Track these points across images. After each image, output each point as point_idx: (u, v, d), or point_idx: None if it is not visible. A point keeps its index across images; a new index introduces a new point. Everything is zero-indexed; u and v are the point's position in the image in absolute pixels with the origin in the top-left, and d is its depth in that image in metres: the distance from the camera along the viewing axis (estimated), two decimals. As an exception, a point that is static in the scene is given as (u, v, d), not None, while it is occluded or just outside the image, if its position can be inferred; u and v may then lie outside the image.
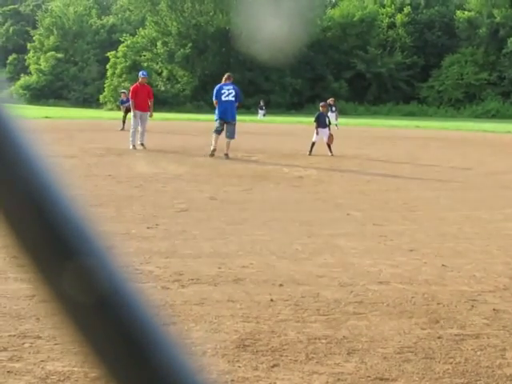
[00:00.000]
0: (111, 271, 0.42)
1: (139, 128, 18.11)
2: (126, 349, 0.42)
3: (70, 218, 0.41)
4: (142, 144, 18.04)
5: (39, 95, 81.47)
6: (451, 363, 3.70)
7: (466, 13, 74.63)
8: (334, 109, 30.50)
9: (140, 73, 19.10)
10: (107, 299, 0.41)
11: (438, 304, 4.75)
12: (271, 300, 4.72)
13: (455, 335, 4.14)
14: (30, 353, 3.69)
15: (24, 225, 0.40)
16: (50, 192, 0.41)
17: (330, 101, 24.57)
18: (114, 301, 0.41)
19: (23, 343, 3.82)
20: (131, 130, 18.34)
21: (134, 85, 19.12)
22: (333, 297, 4.83)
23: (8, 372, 3.44)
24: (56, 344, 3.79)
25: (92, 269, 0.41)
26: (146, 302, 0.43)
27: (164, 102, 65.47)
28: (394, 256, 6.19)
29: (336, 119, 30.29)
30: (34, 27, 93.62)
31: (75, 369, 3.50)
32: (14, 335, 3.94)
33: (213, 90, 17.05)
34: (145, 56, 71.96)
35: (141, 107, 18.37)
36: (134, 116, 18.43)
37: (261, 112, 46.72)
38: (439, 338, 4.07)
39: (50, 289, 0.41)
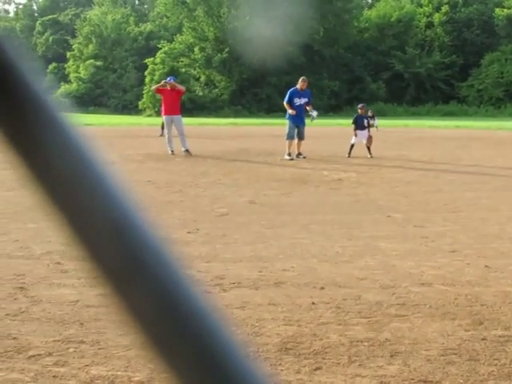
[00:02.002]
0: (181, 288, 0.43)
1: (176, 133, 18.00)
2: (196, 355, 0.43)
3: (147, 240, 0.43)
4: (187, 150, 17.74)
5: (79, 103, 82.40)
6: (496, 365, 3.66)
7: (505, 10, 73.66)
8: (375, 118, 30.43)
9: (168, 78, 18.91)
10: (174, 312, 0.42)
11: (482, 305, 4.70)
12: (312, 303, 4.72)
13: (499, 336, 4.09)
14: (74, 357, 3.74)
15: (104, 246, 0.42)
16: (131, 214, 0.43)
17: (370, 113, 24.44)
18: (180, 311, 0.43)
19: (68, 348, 3.88)
20: (166, 137, 18.32)
21: (163, 88, 18.66)
22: (374, 299, 4.81)
23: (53, 377, 3.49)
24: (100, 349, 3.84)
25: (162, 285, 0.42)
26: (215, 312, 0.44)
27: (202, 107, 65.85)
28: (435, 257, 6.14)
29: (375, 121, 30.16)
30: (73, 36, 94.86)
31: (119, 373, 3.54)
32: (59, 340, 3.99)
33: (285, 94, 17.50)
34: (182, 62, 72.39)
35: (170, 111, 18.08)
36: (166, 123, 18.44)
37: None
38: (483, 339, 4.03)
39: (121, 303, 0.42)
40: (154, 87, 19.60)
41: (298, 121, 16.74)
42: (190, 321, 0.43)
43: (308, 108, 16.91)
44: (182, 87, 18.98)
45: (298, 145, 16.86)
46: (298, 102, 16.65)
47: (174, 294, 0.43)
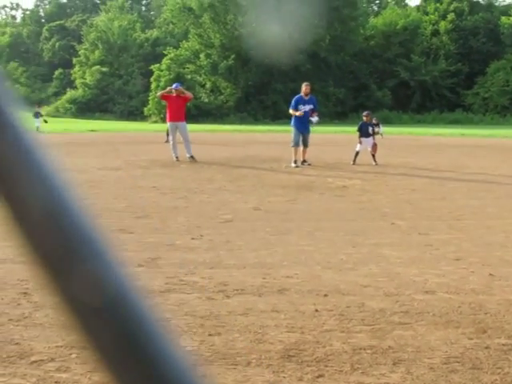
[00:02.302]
0: (117, 278, 0.44)
1: (181, 140, 18.02)
2: (129, 352, 0.44)
3: (80, 227, 0.43)
4: (192, 157, 17.77)
5: (85, 109, 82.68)
6: (499, 374, 3.64)
7: (511, 18, 73.72)
8: (380, 125, 30.44)
9: (173, 85, 18.84)
10: (112, 303, 0.43)
11: (486, 313, 4.68)
12: (316, 310, 4.71)
13: (503, 345, 4.08)
14: (76, 363, 3.74)
15: (36, 232, 0.43)
16: (63, 202, 0.44)
17: (374, 120, 24.47)
18: (118, 305, 0.44)
19: (70, 354, 3.88)
20: (170, 143, 18.31)
21: (169, 95, 18.64)
22: (378, 307, 4.80)
23: (56, 382, 3.50)
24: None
25: (98, 274, 0.43)
26: (149, 308, 0.45)
27: (208, 114, 65.93)
28: (440, 265, 6.12)
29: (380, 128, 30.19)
30: (80, 42, 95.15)
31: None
32: (62, 346, 3.99)
33: (291, 102, 17.43)
34: (188, 68, 72.51)
35: (175, 117, 18.05)
36: (171, 129, 18.44)
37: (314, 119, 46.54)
38: (487, 348, 4.02)
39: (59, 292, 0.43)
40: (159, 93, 19.61)
41: (302, 128, 16.71)
42: (126, 323, 0.44)
43: (314, 114, 16.86)
44: (189, 94, 18.98)
45: (303, 152, 16.84)
46: (303, 108, 16.61)
47: (112, 292, 0.44)
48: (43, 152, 0.45)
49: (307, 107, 16.65)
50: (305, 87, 16.95)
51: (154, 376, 0.45)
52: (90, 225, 0.45)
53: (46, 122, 38.97)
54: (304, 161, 16.84)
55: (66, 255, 0.43)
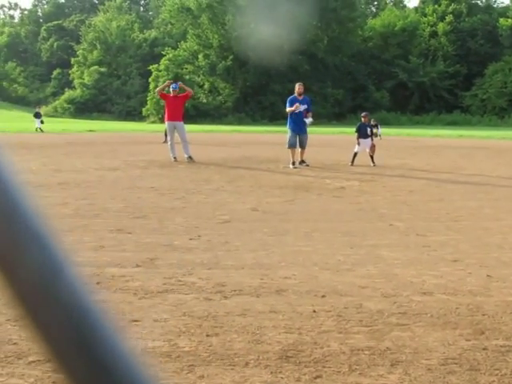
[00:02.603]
0: (69, 277, 0.45)
1: (179, 140, 18.02)
2: (80, 353, 0.45)
3: (29, 225, 0.44)
4: (190, 157, 17.78)
5: (83, 109, 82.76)
6: (497, 375, 3.65)
7: (509, 20, 73.87)
8: (378, 126, 30.50)
9: (171, 85, 18.78)
10: (63, 302, 0.44)
11: (483, 315, 4.69)
12: (314, 311, 4.71)
13: (501, 346, 4.08)
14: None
15: None
16: (15, 202, 0.44)
17: (373, 121, 24.54)
18: (68, 304, 0.45)
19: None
20: (168, 143, 18.29)
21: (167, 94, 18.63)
22: (376, 308, 4.81)
23: (53, 383, 3.49)
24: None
25: (50, 274, 0.44)
26: (100, 307, 0.46)
27: (206, 114, 66.01)
28: (437, 266, 6.13)
29: (379, 130, 30.28)
30: (78, 42, 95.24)
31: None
32: (60, 346, 3.99)
33: (286, 102, 17.39)
34: (186, 69, 72.59)
35: (173, 117, 18.03)
36: (169, 129, 18.42)
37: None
38: (484, 349, 4.02)
39: (10, 287, 0.44)
40: (158, 89, 19.51)
41: (298, 129, 16.67)
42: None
43: (308, 115, 16.81)
44: (189, 89, 18.97)
45: (301, 153, 16.80)
46: (298, 109, 16.59)
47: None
48: None
49: (302, 107, 16.61)
50: (298, 87, 16.90)
51: (104, 374, 0.45)
52: (39, 223, 0.45)
53: (42, 122, 39.09)
54: (302, 161, 16.81)
55: (17, 255, 0.44)
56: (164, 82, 63.80)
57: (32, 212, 0.46)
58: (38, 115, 39.65)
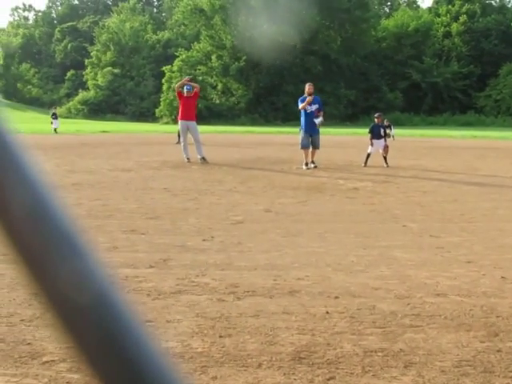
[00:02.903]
0: (99, 277, 0.45)
1: (192, 141, 18.07)
2: (110, 351, 0.45)
3: (61, 228, 0.45)
4: (203, 158, 17.81)
5: (97, 110, 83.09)
6: (511, 377, 3.63)
7: (523, 20, 73.46)
8: (391, 127, 30.45)
9: (185, 87, 18.85)
10: (95, 302, 0.44)
11: (498, 317, 4.66)
12: (327, 312, 4.70)
13: (515, 349, 4.06)
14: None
15: (19, 233, 0.44)
16: (44, 203, 0.45)
17: (386, 122, 24.49)
18: (100, 304, 0.45)
19: (82, 354, 3.88)
20: (182, 145, 18.32)
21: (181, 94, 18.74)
22: (389, 309, 4.79)
23: (67, 383, 3.50)
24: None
25: (81, 273, 0.44)
26: (130, 307, 0.46)
27: (219, 115, 66.08)
28: (451, 268, 6.10)
29: (392, 130, 30.23)
30: (92, 43, 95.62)
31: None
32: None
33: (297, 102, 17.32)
34: (200, 70, 72.71)
35: (186, 116, 18.12)
36: (182, 129, 18.45)
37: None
38: (498, 351, 4.00)
39: (43, 292, 0.44)
40: (177, 85, 19.48)
41: (309, 129, 16.58)
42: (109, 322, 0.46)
43: (319, 114, 16.73)
44: (196, 85, 19.13)
45: (312, 153, 16.71)
46: (309, 109, 16.49)
47: (95, 291, 0.45)
48: (25, 154, 0.46)
49: (313, 107, 16.55)
50: (308, 87, 16.76)
51: (135, 374, 0.45)
52: (71, 226, 0.46)
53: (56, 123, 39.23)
54: (312, 162, 16.72)
55: (48, 255, 0.44)
56: (177, 82, 63.90)
57: (64, 215, 0.46)
58: (55, 116, 39.81)
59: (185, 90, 18.37)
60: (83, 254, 0.46)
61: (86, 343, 0.45)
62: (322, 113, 16.87)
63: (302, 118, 16.73)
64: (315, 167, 16.50)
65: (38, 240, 0.44)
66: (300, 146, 16.80)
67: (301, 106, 16.66)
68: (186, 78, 20.20)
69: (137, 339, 0.46)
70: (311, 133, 16.67)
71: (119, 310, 0.46)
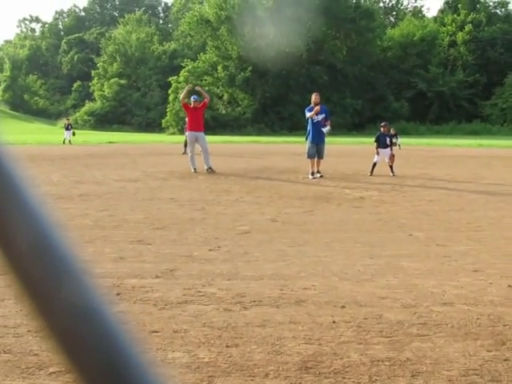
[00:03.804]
0: (97, 304, 0.47)
1: (199, 151, 18.14)
2: (111, 376, 0.47)
3: (63, 256, 0.46)
4: (210, 168, 17.86)
5: (103, 121, 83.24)
6: (519, 386, 3.62)
7: (529, 29, 73.47)
8: (397, 136, 30.42)
9: (192, 97, 18.98)
10: (93, 329, 0.46)
11: (505, 325, 4.65)
12: (333, 322, 4.70)
13: (522, 357, 4.05)
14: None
15: (22, 263, 0.46)
16: (47, 235, 0.46)
17: (392, 131, 24.48)
18: (98, 330, 0.46)
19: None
20: (189, 155, 18.37)
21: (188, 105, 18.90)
22: (396, 318, 4.79)
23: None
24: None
25: (80, 300, 0.46)
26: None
27: (225, 125, 66.13)
28: (458, 277, 6.09)
29: (398, 139, 30.21)
30: (98, 54, 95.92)
31: None
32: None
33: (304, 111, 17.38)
34: (206, 80, 72.78)
35: (194, 127, 18.16)
36: (190, 140, 18.51)
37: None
38: (506, 360, 3.99)
39: (43, 315, 0.46)
40: (181, 98, 19.46)
41: (316, 139, 16.59)
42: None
43: (326, 123, 16.71)
44: (206, 95, 19.19)
45: (317, 163, 16.71)
46: (316, 118, 16.51)
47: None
48: (27, 187, 0.48)
49: (320, 116, 16.54)
50: (314, 97, 16.80)
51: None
52: (71, 254, 0.47)
53: (74, 134, 39.09)
54: (318, 171, 16.69)
55: (47, 283, 0.46)
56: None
57: (65, 245, 0.48)
58: (68, 127, 39.66)
59: (192, 101, 18.45)
60: (82, 281, 0.48)
61: (84, 368, 0.46)
62: (329, 122, 16.86)
63: (309, 128, 16.74)
64: (321, 177, 16.48)
65: (38, 269, 0.46)
66: (307, 156, 16.80)
67: (309, 114, 16.65)
68: (188, 86, 20.21)
69: (138, 371, 0.48)
70: (317, 142, 16.68)
71: (117, 337, 0.47)
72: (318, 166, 16.79)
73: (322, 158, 16.81)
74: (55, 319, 0.46)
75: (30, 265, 0.45)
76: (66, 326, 0.46)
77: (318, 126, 16.56)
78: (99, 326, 0.47)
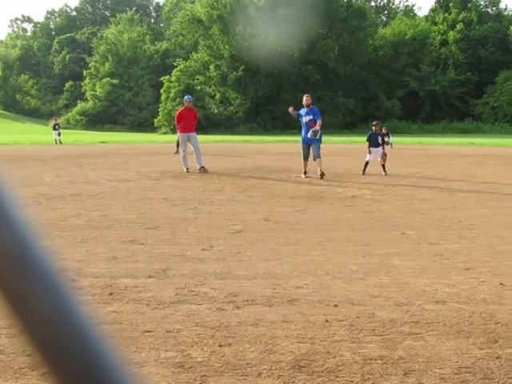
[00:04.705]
0: (78, 315, 0.47)
1: (192, 151, 18.15)
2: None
3: (45, 268, 0.47)
4: (203, 167, 17.93)
5: (95, 120, 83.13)
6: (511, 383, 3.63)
7: (520, 28, 73.70)
8: (389, 135, 30.43)
9: (185, 97, 19.02)
10: (73, 339, 0.47)
11: (497, 323, 4.67)
12: (326, 320, 4.71)
13: (514, 355, 4.06)
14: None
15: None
16: (29, 247, 0.47)
17: (384, 130, 24.47)
18: (78, 342, 0.47)
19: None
20: (181, 155, 18.39)
21: (180, 109, 18.90)
22: (388, 317, 4.79)
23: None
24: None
25: (60, 312, 0.46)
26: (108, 344, 0.48)
27: (217, 125, 66.13)
28: (450, 275, 6.11)
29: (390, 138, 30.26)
30: (90, 54, 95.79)
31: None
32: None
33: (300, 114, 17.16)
34: (198, 80, 72.81)
35: (186, 129, 18.23)
36: (182, 140, 18.54)
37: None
38: (498, 357, 4.00)
39: (24, 327, 0.47)
40: (175, 118, 19.35)
41: (306, 139, 16.44)
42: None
43: (316, 124, 16.51)
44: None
45: (318, 164, 16.37)
46: (304, 119, 16.51)
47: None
48: (13, 202, 0.48)
49: (307, 118, 16.45)
50: (305, 99, 16.72)
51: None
52: (52, 267, 0.48)
53: (59, 134, 39.12)
54: (321, 172, 16.23)
55: (29, 295, 0.46)
56: (175, 93, 63.74)
57: (43, 255, 0.48)
58: (56, 127, 39.67)
59: (185, 101, 18.50)
60: (63, 293, 0.48)
61: (62, 373, 0.47)
62: (319, 122, 16.56)
63: (301, 129, 16.68)
64: (322, 177, 16.05)
65: (20, 280, 0.46)
66: (301, 157, 16.75)
67: (290, 109, 16.85)
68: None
69: (116, 376, 0.48)
70: (308, 142, 16.59)
71: (97, 348, 0.48)
72: (319, 167, 16.32)
73: (318, 157, 16.49)
74: (33, 326, 0.46)
75: (7, 273, 0.46)
76: (43, 333, 0.46)
77: (307, 126, 16.49)
78: (76, 332, 0.47)
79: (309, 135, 16.39)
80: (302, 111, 16.67)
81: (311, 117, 16.47)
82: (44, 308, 0.46)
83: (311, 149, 16.53)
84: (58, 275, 0.48)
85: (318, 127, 16.35)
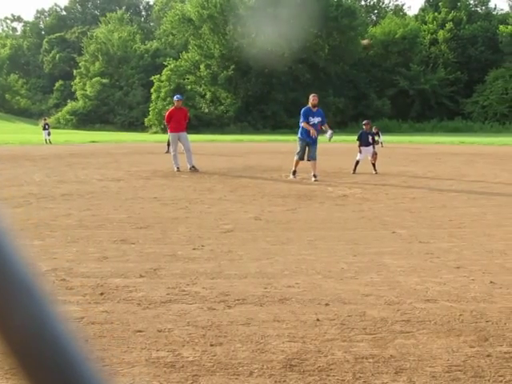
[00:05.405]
0: (54, 323, 0.48)
1: (182, 150, 18.14)
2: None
3: (20, 276, 0.47)
4: (193, 167, 17.93)
5: (86, 120, 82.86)
6: (501, 382, 3.64)
7: (509, 27, 74.02)
8: (380, 134, 30.43)
9: (175, 97, 19.02)
10: (49, 347, 0.47)
11: (487, 321, 4.68)
12: (317, 319, 4.71)
13: (505, 353, 4.07)
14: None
15: None
16: (3, 253, 0.47)
17: (374, 129, 24.46)
18: (54, 350, 0.47)
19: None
20: (172, 154, 18.37)
21: (170, 109, 18.92)
22: (379, 315, 4.81)
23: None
24: (105, 365, 3.84)
25: (36, 319, 0.47)
26: (84, 353, 0.49)
27: (208, 124, 66.05)
28: (440, 273, 6.13)
29: (380, 137, 30.29)
30: (80, 54, 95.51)
31: (124, 389, 3.54)
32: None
33: (300, 114, 16.35)
34: (188, 79, 72.70)
35: (177, 129, 18.22)
36: (173, 140, 18.54)
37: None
38: (488, 356, 4.02)
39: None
40: (165, 118, 19.35)
41: (310, 138, 15.84)
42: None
43: (324, 128, 16.22)
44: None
45: (312, 165, 15.93)
46: (312, 120, 15.85)
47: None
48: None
49: (316, 119, 15.90)
50: (312, 98, 16.14)
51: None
52: (28, 274, 0.48)
53: (49, 134, 39.05)
54: (314, 175, 15.77)
55: (4, 303, 0.46)
56: (166, 92, 63.63)
57: (21, 265, 0.48)
58: (46, 126, 39.54)
59: (175, 100, 18.52)
60: (39, 301, 0.48)
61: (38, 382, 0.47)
62: (326, 126, 16.28)
63: (303, 128, 16.00)
64: (316, 180, 15.56)
65: None
66: (296, 157, 16.26)
67: (303, 124, 15.90)
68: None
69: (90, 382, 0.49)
70: (309, 143, 15.97)
71: (72, 356, 0.48)
72: (313, 169, 15.89)
73: (314, 159, 15.98)
74: (9, 335, 0.46)
75: None
76: (20, 342, 0.46)
77: (313, 127, 15.83)
78: (53, 342, 0.47)
79: (328, 139, 16.26)
80: (308, 111, 16.15)
81: (319, 119, 16.03)
82: (19, 314, 0.46)
83: (308, 149, 16.04)
84: (33, 280, 0.48)
85: (331, 131, 16.22)
